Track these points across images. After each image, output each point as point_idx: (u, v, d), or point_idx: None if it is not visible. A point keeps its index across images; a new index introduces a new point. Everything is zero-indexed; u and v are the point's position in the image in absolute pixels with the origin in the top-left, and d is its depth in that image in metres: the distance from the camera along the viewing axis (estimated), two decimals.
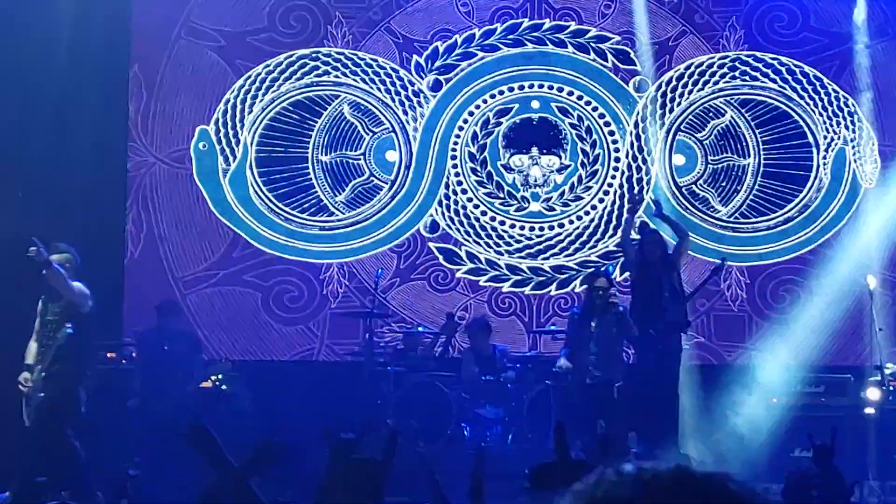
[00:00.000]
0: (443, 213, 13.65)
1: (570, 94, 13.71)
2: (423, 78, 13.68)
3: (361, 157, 13.66)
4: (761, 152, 13.67)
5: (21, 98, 12.70)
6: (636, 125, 13.71)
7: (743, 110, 13.69)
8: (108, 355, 12.15)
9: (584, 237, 13.62)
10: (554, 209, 13.61)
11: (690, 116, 13.73)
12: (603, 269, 13.13)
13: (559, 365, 11.39)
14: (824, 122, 13.62)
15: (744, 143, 13.69)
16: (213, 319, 13.34)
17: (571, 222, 13.62)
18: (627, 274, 12.13)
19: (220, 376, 11.96)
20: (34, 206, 12.90)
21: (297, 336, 13.43)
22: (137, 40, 13.48)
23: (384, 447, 3.48)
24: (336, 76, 13.65)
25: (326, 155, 13.61)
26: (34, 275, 11.98)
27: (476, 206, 13.65)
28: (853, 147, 13.54)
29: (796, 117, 13.64)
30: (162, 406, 11.31)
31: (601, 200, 13.67)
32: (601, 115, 13.70)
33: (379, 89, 13.65)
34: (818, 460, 8.16)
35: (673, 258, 11.51)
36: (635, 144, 13.73)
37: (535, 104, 13.71)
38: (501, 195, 13.65)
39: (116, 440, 11.24)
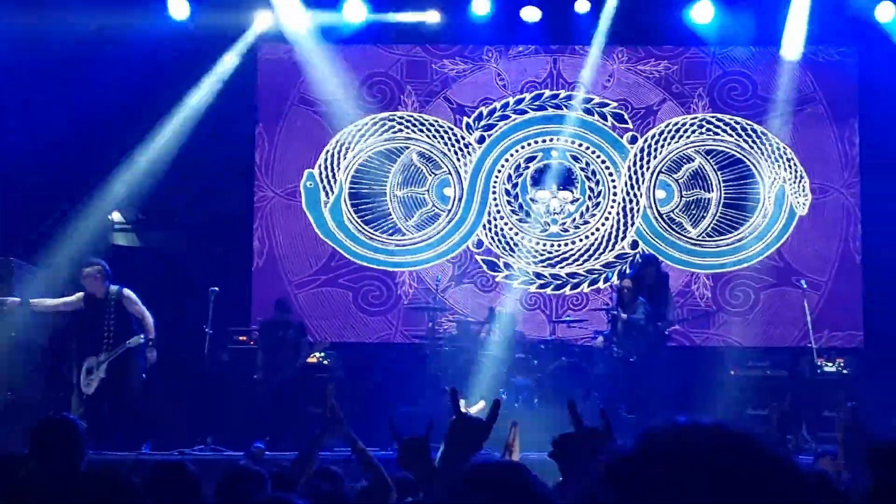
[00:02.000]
0: (486, 234, 13.94)
1: (580, 145, 14.00)
2: (471, 133, 14.02)
3: (426, 192, 13.99)
4: (722, 188, 13.95)
5: (177, 152, 13.41)
6: (629, 168, 13.98)
7: (708, 157, 14.00)
8: (240, 339, 12.81)
9: (591, 251, 13.95)
10: (568, 231, 13.94)
11: (669, 162, 14.01)
12: (603, 276, 13.86)
13: (596, 343, 11.92)
14: (769, 166, 13.91)
15: (709, 182, 14.00)
16: (318, 312, 13.73)
17: (581, 240, 13.96)
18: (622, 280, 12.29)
19: (322, 354, 12.41)
20: (186, 229, 13.99)
21: (379, 324, 13.83)
22: (262, 106, 14.11)
23: (489, 412, 3.33)
24: (407, 133, 13.99)
25: (400, 191, 13.97)
26: (183, 283, 13.15)
27: (510, 229, 13.94)
28: (790, 184, 13.83)
29: (748, 162, 13.97)
30: (279, 378, 11.92)
31: (602, 224, 13.98)
32: (602, 161, 14.00)
33: (439, 142, 13.99)
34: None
35: (665, 281, 12.19)
36: (628, 183, 13.97)
37: (555, 153, 14.01)
38: (529, 220, 13.94)
39: (245, 404, 11.91)
